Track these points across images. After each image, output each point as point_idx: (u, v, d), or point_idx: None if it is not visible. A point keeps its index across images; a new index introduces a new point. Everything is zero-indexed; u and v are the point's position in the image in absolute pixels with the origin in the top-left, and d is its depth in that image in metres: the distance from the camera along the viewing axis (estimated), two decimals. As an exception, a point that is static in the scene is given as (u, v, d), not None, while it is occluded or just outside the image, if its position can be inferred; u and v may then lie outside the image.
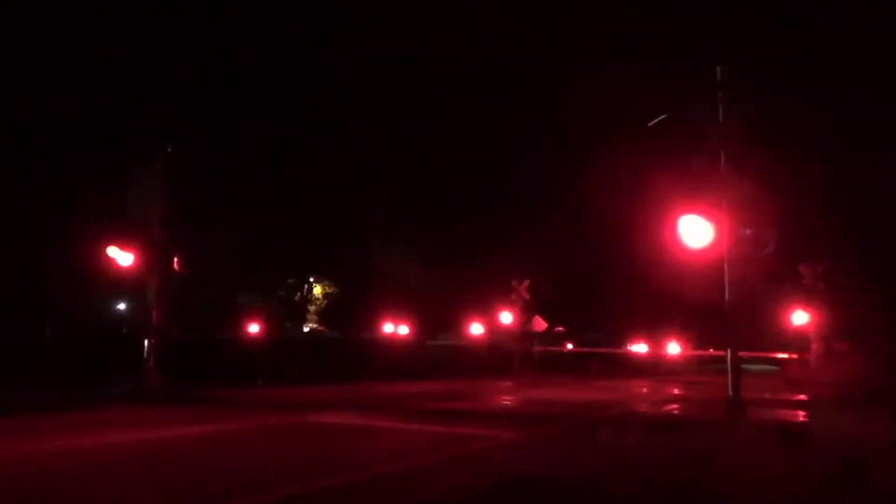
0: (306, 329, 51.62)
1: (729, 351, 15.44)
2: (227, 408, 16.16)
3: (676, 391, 29.78)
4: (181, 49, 57.33)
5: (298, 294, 50.89)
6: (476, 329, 43.40)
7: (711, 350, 45.12)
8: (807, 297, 31.80)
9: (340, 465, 9.17)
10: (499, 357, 39.57)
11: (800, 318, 32.70)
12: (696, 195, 14.73)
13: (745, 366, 18.13)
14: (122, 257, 18.42)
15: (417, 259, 43.15)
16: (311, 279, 51.25)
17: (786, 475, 9.01)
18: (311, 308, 51.70)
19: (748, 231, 14.89)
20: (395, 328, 45.05)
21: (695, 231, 14.53)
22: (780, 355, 37.86)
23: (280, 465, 9.28)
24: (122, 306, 48.88)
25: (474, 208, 54.57)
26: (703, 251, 14.80)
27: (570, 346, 50.84)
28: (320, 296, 51.65)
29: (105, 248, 18.33)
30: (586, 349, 48.70)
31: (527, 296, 39.64)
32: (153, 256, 18.31)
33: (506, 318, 40.38)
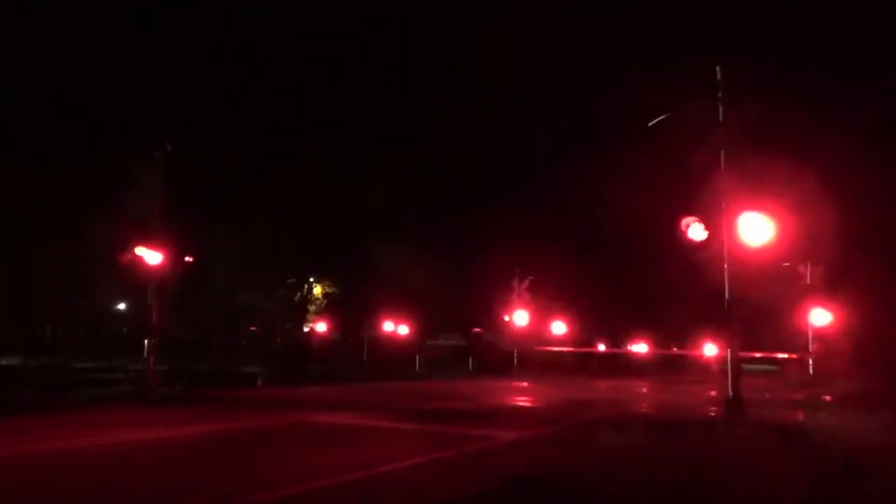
0: (306, 329, 51.60)
1: (729, 351, 15.43)
2: (228, 408, 16.14)
3: (676, 391, 29.74)
4: (182, 50, 57.31)
5: (298, 294, 50.84)
6: (476, 329, 43.41)
7: (711, 353, 45.01)
8: (807, 298, 31.81)
9: (341, 464, 9.17)
10: (498, 357, 39.57)
11: (800, 318, 32.71)
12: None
13: (744, 366, 18.12)
14: (121, 257, 18.40)
15: (417, 259, 43.13)
16: (311, 279, 51.21)
17: (785, 475, 9.01)
18: (311, 308, 51.64)
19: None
20: (395, 328, 45.03)
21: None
22: (781, 355, 37.85)
23: (281, 465, 9.28)
24: (122, 306, 48.87)
25: (475, 208, 54.56)
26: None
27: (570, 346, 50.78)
28: (320, 296, 51.60)
29: (105, 249, 18.31)
30: (586, 349, 48.67)
31: (527, 296, 39.65)
32: (153, 256, 18.27)
33: (506, 318, 40.39)
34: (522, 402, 22.15)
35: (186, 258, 19.04)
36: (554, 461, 10.21)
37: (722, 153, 15.35)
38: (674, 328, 50.62)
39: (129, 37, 54.55)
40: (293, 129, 54.24)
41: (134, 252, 18.26)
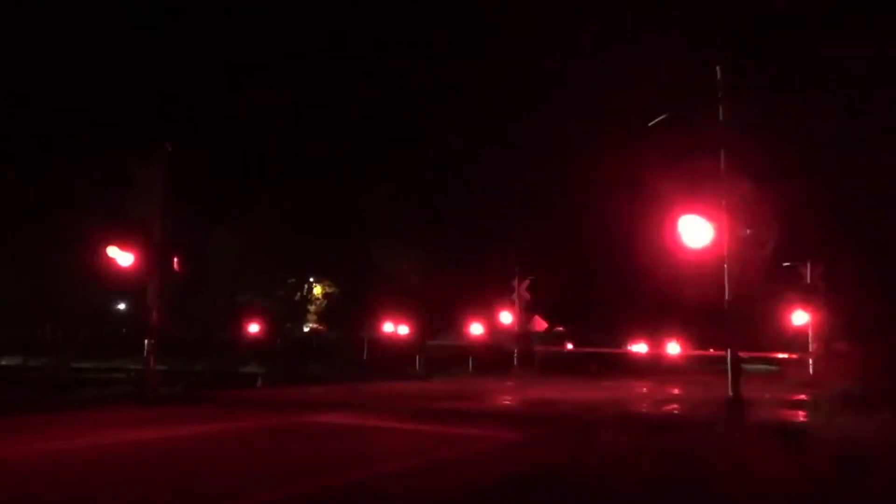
0: (306, 329, 51.64)
1: (729, 351, 15.42)
2: (228, 408, 16.15)
3: (676, 391, 29.75)
4: (182, 50, 57.33)
5: (298, 294, 50.90)
6: (476, 329, 43.34)
7: (711, 350, 44.99)
8: (807, 298, 31.82)
9: (341, 465, 9.18)
10: (499, 357, 39.53)
11: (800, 318, 32.72)
12: (696, 195, 14.72)
13: (744, 366, 18.10)
14: (121, 257, 18.37)
15: (417, 258, 43.12)
16: (311, 279, 51.26)
17: (785, 475, 9.00)
18: (311, 308, 51.68)
19: (748, 231, 14.90)
20: (395, 328, 45.00)
21: (695, 231, 14.52)
22: (781, 355, 37.83)
23: (280, 466, 9.28)
24: (122, 306, 48.93)
25: (475, 208, 54.61)
26: (703, 251, 14.78)
27: (570, 345, 50.75)
28: (320, 296, 51.65)
29: (105, 248, 18.28)
30: (586, 349, 48.63)
31: (527, 295, 39.62)
32: (153, 256, 18.27)
33: (506, 317, 40.36)
34: (522, 401, 22.13)
35: (186, 258, 19.01)
36: (554, 461, 10.21)
37: (722, 153, 15.35)
38: (674, 328, 50.62)
39: (129, 37, 54.61)
40: (293, 129, 54.27)
41: (134, 252, 18.23)
